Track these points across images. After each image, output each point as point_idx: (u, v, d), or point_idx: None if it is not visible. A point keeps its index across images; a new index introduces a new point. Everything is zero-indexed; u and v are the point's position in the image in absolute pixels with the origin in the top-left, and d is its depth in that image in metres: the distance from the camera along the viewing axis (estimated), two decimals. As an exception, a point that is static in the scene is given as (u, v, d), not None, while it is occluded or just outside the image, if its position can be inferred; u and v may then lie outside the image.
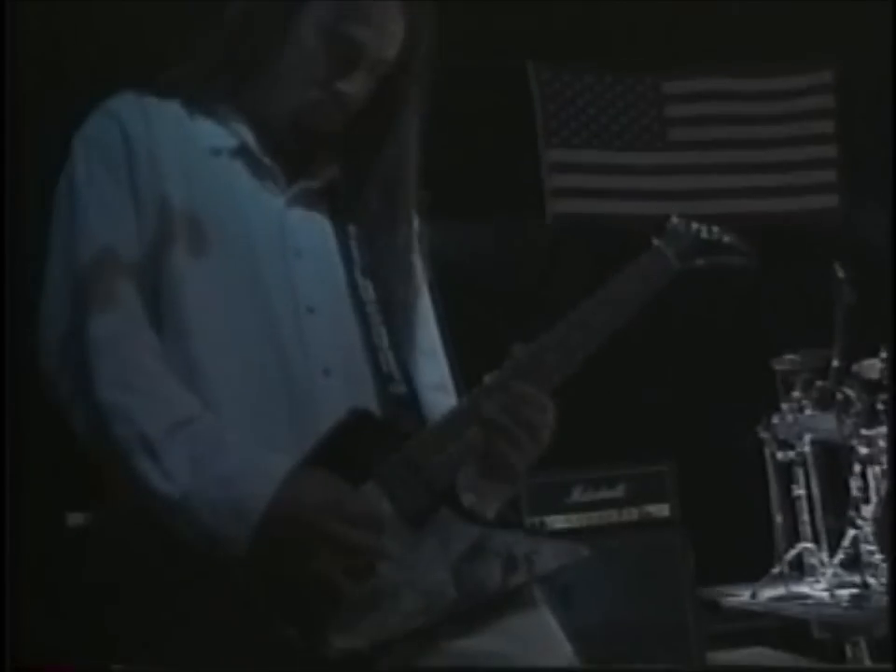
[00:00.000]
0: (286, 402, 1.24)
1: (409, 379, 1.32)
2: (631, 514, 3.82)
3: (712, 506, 4.43)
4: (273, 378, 1.24)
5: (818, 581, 4.50)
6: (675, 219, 1.43)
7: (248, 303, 1.27)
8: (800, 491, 4.81)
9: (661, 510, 3.83)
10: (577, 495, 3.77)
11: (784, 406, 4.79)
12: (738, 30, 5.59)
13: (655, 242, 1.40)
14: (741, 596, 4.61)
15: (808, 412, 4.68)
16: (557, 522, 3.68)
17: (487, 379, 1.26)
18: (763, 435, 4.88)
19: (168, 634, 1.15)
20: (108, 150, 1.27)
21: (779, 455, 4.85)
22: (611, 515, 3.79)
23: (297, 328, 1.27)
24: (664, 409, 4.93)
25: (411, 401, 1.30)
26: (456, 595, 1.18)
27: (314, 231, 1.36)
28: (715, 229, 1.44)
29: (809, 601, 4.38)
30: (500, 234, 5.32)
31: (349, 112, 1.36)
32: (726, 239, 1.43)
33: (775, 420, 4.80)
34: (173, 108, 1.34)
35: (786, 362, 4.88)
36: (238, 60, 1.34)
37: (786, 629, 4.32)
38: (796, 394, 4.76)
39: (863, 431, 4.50)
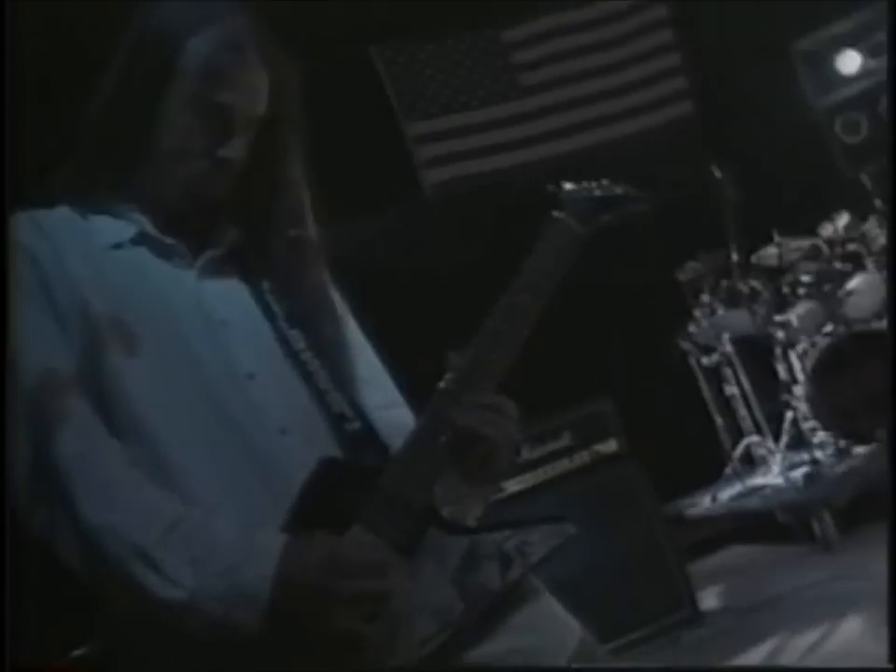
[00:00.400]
0: (253, 470, 1.27)
1: (361, 414, 1.36)
2: (582, 458, 3.90)
3: (654, 428, 4.55)
4: (235, 450, 1.27)
5: (770, 470, 4.67)
6: (567, 186, 1.47)
7: (190, 385, 1.29)
8: (732, 389, 4.97)
9: (608, 446, 3.92)
10: (526, 453, 3.83)
11: (697, 313, 4.93)
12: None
13: (555, 214, 1.44)
14: (702, 504, 4.76)
15: (720, 312, 4.83)
16: (514, 485, 3.74)
17: (438, 392, 1.30)
18: (684, 345, 5.02)
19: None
20: (22, 281, 1.28)
21: (704, 360, 5.01)
22: (564, 464, 3.87)
23: (243, 396, 1.30)
24: (585, 349, 5.03)
25: (368, 434, 1.34)
26: (464, 605, 1.23)
27: (232, 298, 1.38)
28: (605, 183, 1.49)
29: (767, 490, 4.54)
30: (390, 222, 5.33)
31: (235, 174, 1.38)
32: (618, 190, 1.48)
33: (691, 328, 4.94)
34: (64, 215, 1.36)
35: (688, 270, 5.01)
36: (114, 152, 1.35)
37: (752, 524, 4.49)
38: (705, 298, 4.90)
39: (776, 317, 4.68)
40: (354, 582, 1.18)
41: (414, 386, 1.51)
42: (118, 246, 1.34)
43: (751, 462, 4.89)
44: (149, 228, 1.36)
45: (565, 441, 3.88)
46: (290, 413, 1.32)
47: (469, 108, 5.90)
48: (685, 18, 6.00)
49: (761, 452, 4.84)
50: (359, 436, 1.33)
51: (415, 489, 1.26)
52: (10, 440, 1.23)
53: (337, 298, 1.50)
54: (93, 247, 1.33)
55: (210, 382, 1.29)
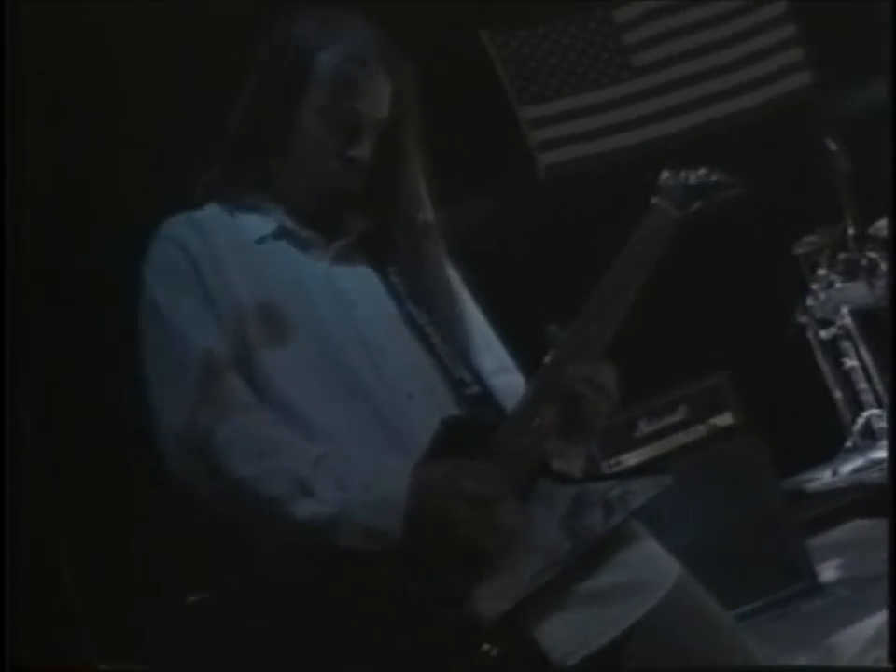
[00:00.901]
0: (385, 433, 1.46)
1: (479, 379, 1.53)
2: (698, 431, 3.97)
3: (772, 402, 4.60)
4: (368, 415, 1.46)
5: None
6: (665, 174, 1.63)
7: (326, 360, 1.48)
8: (852, 362, 4.97)
9: (725, 419, 3.98)
10: (643, 427, 3.94)
11: (814, 286, 4.94)
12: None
13: (653, 200, 1.60)
14: (823, 478, 4.78)
15: (838, 285, 4.84)
16: (631, 458, 3.86)
17: (546, 362, 1.47)
18: (802, 319, 5.04)
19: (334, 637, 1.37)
20: (180, 275, 1.50)
21: (822, 333, 5.01)
22: (680, 438, 3.95)
23: (375, 368, 1.49)
24: (701, 323, 5.09)
25: (485, 397, 1.51)
26: (572, 546, 1.39)
27: (360, 281, 1.58)
28: (702, 171, 1.64)
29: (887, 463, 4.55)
30: (503, 205, 5.48)
31: (363, 171, 1.57)
32: (714, 177, 1.63)
33: (809, 302, 4.95)
34: (214, 212, 1.57)
35: (805, 244, 5.03)
36: (256, 155, 1.56)
37: (872, 496, 4.50)
38: (822, 272, 4.92)
39: (897, 290, 4.66)
40: (480, 484, 1.36)
41: (524, 356, 1.68)
42: (261, 241, 1.56)
43: (872, 435, 4.89)
44: (288, 222, 1.57)
45: (680, 414, 3.96)
46: (416, 380, 1.50)
47: (581, 91, 5.99)
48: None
49: (881, 425, 4.84)
50: (478, 398, 1.51)
51: (527, 445, 1.43)
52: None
53: (454, 275, 1.68)
54: (240, 242, 1.54)
55: (344, 356, 1.49)
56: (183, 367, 1.44)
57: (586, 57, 6.03)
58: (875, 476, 4.55)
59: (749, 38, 6.09)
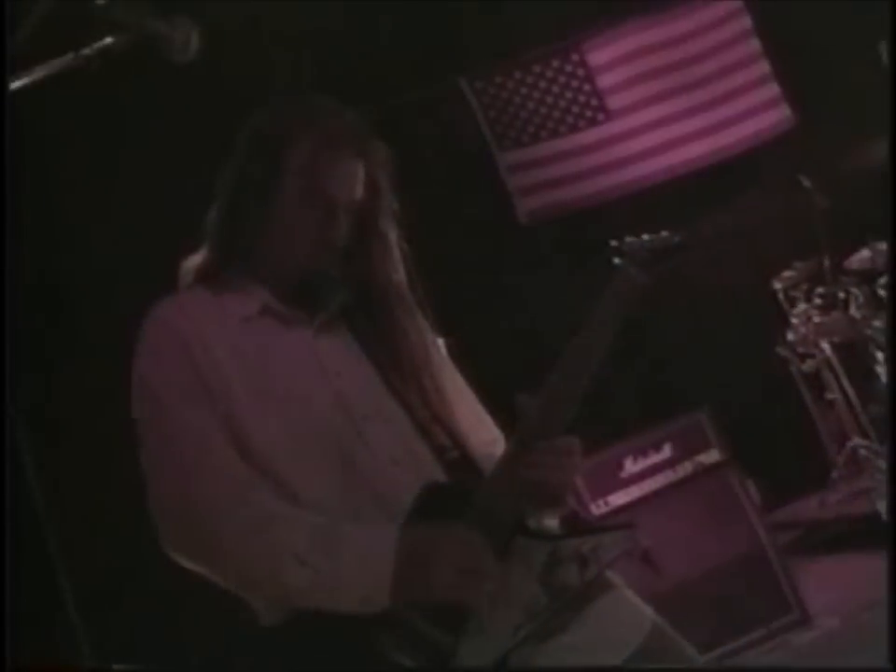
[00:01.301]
0: (371, 497, 1.54)
1: (459, 443, 1.61)
2: (685, 469, 4.01)
3: (757, 437, 4.67)
4: (352, 481, 1.54)
5: (878, 471, 4.73)
6: (629, 239, 1.71)
7: (313, 431, 1.57)
8: (834, 395, 5.05)
9: (710, 456, 4.03)
10: (629, 467, 3.99)
11: (794, 321, 5.03)
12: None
13: (617, 262, 1.68)
14: (810, 510, 4.84)
15: (817, 318, 4.92)
16: (618, 498, 3.91)
17: (513, 440, 1.56)
18: (784, 353, 5.12)
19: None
20: (171, 355, 1.58)
21: (804, 367, 5.09)
22: (667, 476, 4.00)
23: (358, 435, 1.57)
24: (683, 361, 5.18)
25: (465, 461, 1.60)
26: (548, 600, 1.47)
27: (343, 352, 1.66)
28: (664, 234, 1.72)
29: (874, 493, 4.60)
30: (480, 242, 5.57)
31: (339, 250, 1.66)
32: (676, 240, 1.71)
33: (790, 336, 5.04)
34: (201, 295, 1.66)
35: (783, 279, 5.12)
36: (237, 240, 1.65)
37: (859, 527, 4.56)
38: (802, 306, 5.00)
39: (875, 322, 4.76)
40: (469, 550, 1.45)
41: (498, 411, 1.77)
42: (247, 319, 1.64)
43: (857, 465, 4.96)
44: (271, 302, 1.66)
45: (666, 452, 4.02)
46: (400, 447, 1.59)
47: (558, 135, 6.08)
48: (770, 27, 6.11)
49: (866, 454, 4.91)
50: (458, 463, 1.59)
51: (507, 505, 1.51)
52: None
53: (435, 342, 1.76)
54: (226, 322, 1.63)
55: (330, 426, 1.57)
56: (177, 444, 1.53)
57: (563, 101, 6.14)
58: (861, 507, 4.62)
59: (723, 77, 6.23)
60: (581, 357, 1.59)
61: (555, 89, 6.16)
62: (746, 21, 6.30)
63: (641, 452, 4.01)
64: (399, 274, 1.72)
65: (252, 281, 1.67)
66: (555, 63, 6.18)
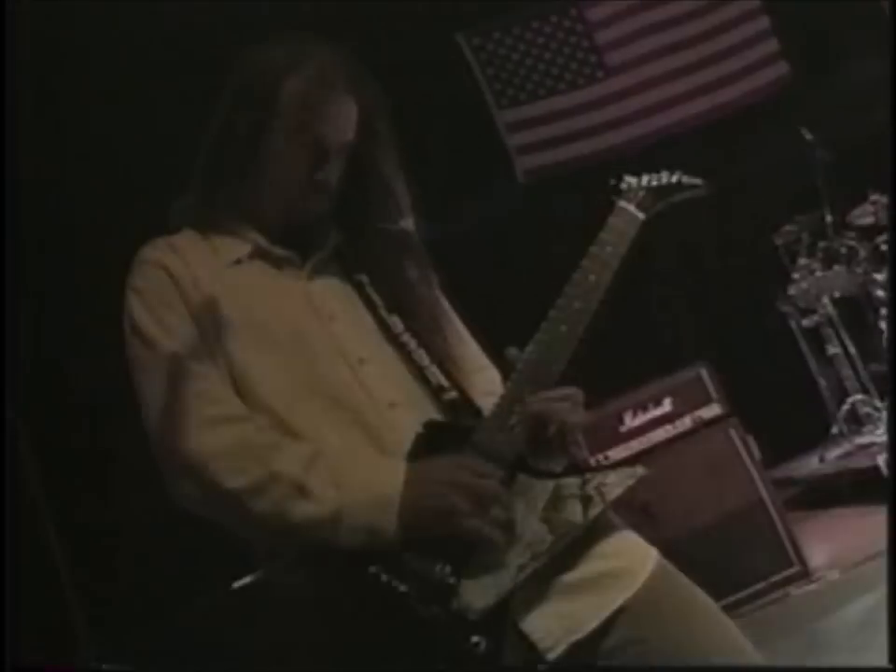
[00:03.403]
0: (369, 439, 1.50)
1: (457, 384, 1.58)
2: (684, 424, 3.99)
3: (757, 392, 4.64)
4: (352, 424, 1.51)
5: (877, 427, 4.71)
6: (627, 178, 1.68)
7: (308, 373, 1.53)
8: (835, 349, 5.00)
9: (710, 410, 4.01)
10: (629, 421, 3.96)
11: (795, 275, 4.96)
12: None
13: (618, 202, 1.65)
14: (811, 465, 4.83)
15: (819, 273, 4.86)
16: (618, 452, 3.89)
17: (520, 366, 1.52)
18: (785, 308, 5.07)
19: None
20: (163, 295, 1.54)
21: (805, 322, 5.03)
22: (667, 430, 3.97)
23: (356, 378, 1.54)
24: (684, 314, 5.14)
25: (463, 401, 1.56)
26: (553, 538, 1.44)
27: (337, 295, 1.63)
28: (664, 173, 1.69)
29: (874, 448, 4.57)
30: (479, 202, 5.52)
31: (331, 192, 1.62)
32: (676, 178, 1.69)
33: (791, 291, 4.97)
34: (190, 237, 1.62)
35: (784, 234, 5.06)
36: (227, 180, 1.61)
37: (859, 481, 4.55)
38: (803, 260, 4.93)
39: (875, 276, 4.71)
40: (477, 479, 1.42)
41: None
42: (238, 262, 1.60)
43: (857, 421, 4.93)
44: (263, 242, 1.62)
45: (666, 406, 3.99)
46: (397, 389, 1.55)
47: (557, 93, 6.02)
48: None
49: (866, 410, 4.88)
50: (456, 403, 1.56)
51: (507, 443, 1.48)
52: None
53: (431, 280, 1.72)
54: (217, 264, 1.59)
55: (326, 368, 1.53)
56: (172, 384, 1.49)
57: (561, 57, 6.07)
58: (861, 461, 4.60)
59: (723, 33, 6.14)
60: (578, 298, 1.55)
61: (553, 45, 6.09)
62: (728, 10, 6.20)
63: (641, 406, 3.99)
64: (407, 221, 1.69)
65: (243, 224, 1.63)
66: (553, 19, 6.11)
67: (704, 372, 4.06)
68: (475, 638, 1.38)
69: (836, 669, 3.06)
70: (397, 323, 1.60)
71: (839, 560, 3.98)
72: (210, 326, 1.53)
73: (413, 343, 1.59)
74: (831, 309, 4.96)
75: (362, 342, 1.58)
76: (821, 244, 4.91)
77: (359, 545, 1.41)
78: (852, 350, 5.04)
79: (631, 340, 4.91)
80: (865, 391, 4.96)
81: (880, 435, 4.63)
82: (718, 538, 3.80)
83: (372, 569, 1.41)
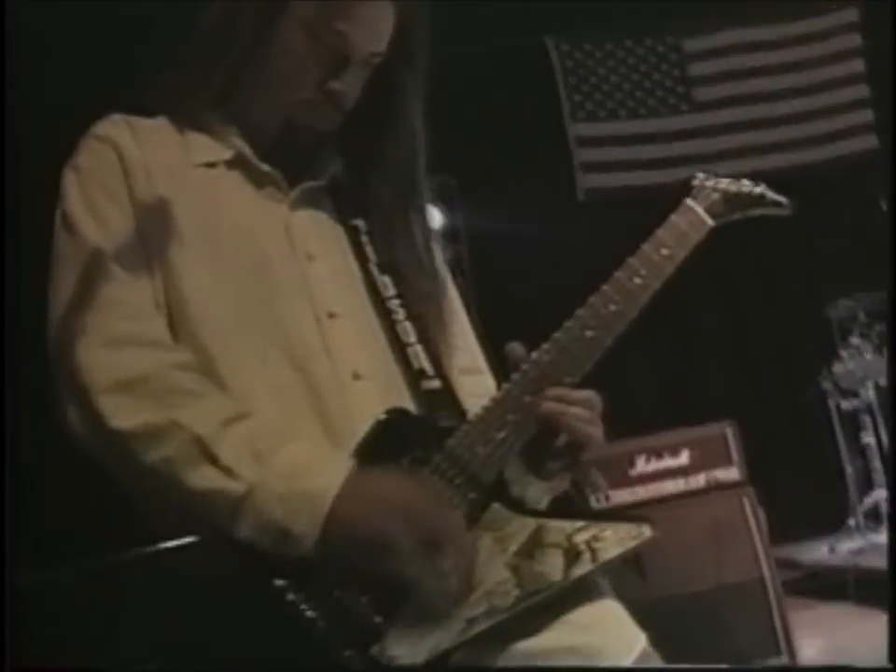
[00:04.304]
0: (315, 412, 1.16)
1: (443, 374, 1.23)
2: (698, 481, 3.69)
3: (780, 463, 4.31)
4: (299, 388, 1.17)
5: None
6: (701, 176, 1.35)
7: (265, 316, 1.19)
8: (869, 439, 4.66)
9: (729, 473, 3.70)
10: (640, 465, 3.65)
11: (843, 353, 4.64)
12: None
13: (685, 200, 1.31)
14: (819, 552, 4.47)
15: (868, 356, 4.54)
16: (622, 496, 3.57)
17: (526, 366, 1.18)
18: (826, 385, 4.73)
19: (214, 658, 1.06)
20: (106, 176, 1.20)
21: (844, 404, 4.71)
22: (678, 484, 3.67)
23: (319, 334, 1.20)
24: (720, 368, 4.80)
25: (446, 395, 1.22)
26: (519, 593, 1.09)
27: (323, 231, 1.28)
28: (745, 182, 1.36)
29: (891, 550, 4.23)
30: (532, 213, 5.21)
31: (344, 109, 1.28)
32: (757, 191, 1.35)
33: (836, 369, 4.65)
34: (161, 125, 1.28)
35: (841, 308, 4.73)
36: (223, 66, 1.27)
37: (867, 581, 4.19)
38: (855, 340, 4.62)
39: (928, 371, 4.36)
40: (438, 514, 1.07)
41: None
42: (211, 165, 1.26)
43: (877, 518, 4.56)
44: (247, 152, 1.27)
45: (683, 459, 3.68)
46: (367, 360, 1.21)
47: (636, 116, 5.71)
48: (877, 47, 5.65)
49: (889, 509, 4.51)
50: (437, 395, 1.21)
51: (486, 459, 1.13)
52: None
53: (440, 255, 1.38)
54: (185, 162, 1.24)
55: (286, 316, 1.19)
56: (86, 284, 1.15)
57: (649, 82, 5.74)
58: (873, 561, 4.23)
59: (821, 92, 5.78)
60: (615, 301, 1.21)
61: (643, 68, 5.76)
62: (855, 39, 5.85)
63: (656, 453, 3.67)
64: (417, 165, 1.33)
65: (228, 126, 1.28)
66: (648, 42, 5.78)
67: (729, 432, 3.75)
68: (388, 703, 1.04)
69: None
70: (387, 285, 1.26)
71: (830, 659, 3.65)
72: (155, 229, 1.19)
73: (401, 313, 1.25)
74: (873, 395, 4.60)
75: (339, 294, 1.24)
76: (878, 326, 4.56)
77: (265, 545, 1.07)
78: (886, 443, 4.67)
79: (656, 378, 4.55)
80: (892, 488, 4.58)
81: (899, 537, 4.25)
82: (709, 608, 3.52)
83: (278, 582, 1.06)
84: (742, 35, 5.78)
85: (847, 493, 4.71)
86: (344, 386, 1.18)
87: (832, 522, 4.60)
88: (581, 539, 1.13)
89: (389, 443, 1.12)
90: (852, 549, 4.39)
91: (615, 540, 1.13)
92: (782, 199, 1.38)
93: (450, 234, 5.19)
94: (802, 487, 4.60)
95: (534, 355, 1.19)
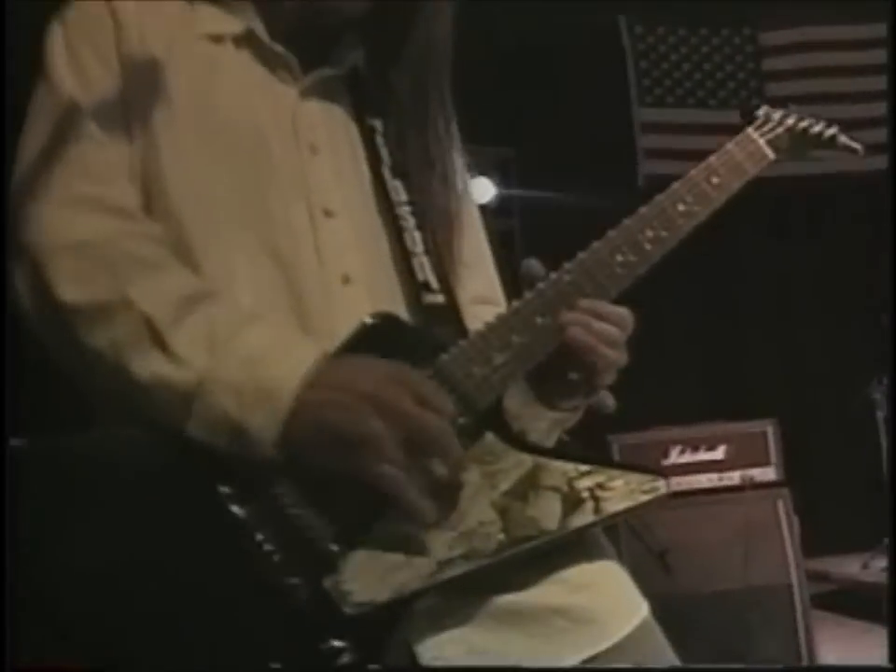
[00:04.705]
0: (296, 314, 1.01)
1: (449, 289, 1.07)
2: (732, 479, 3.51)
3: (820, 470, 4.09)
4: (280, 287, 1.01)
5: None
6: (766, 108, 1.21)
7: (253, 205, 1.04)
8: (916, 455, 4.41)
9: (766, 473, 3.51)
10: (674, 456, 3.48)
11: (897, 365, 4.40)
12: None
13: (748, 130, 1.17)
14: (851, 568, 4.26)
15: (923, 371, 4.29)
16: (652, 485, 3.39)
17: (542, 285, 1.02)
18: (875, 396, 4.49)
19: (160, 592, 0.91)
20: (94, 31, 1.06)
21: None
22: (711, 479, 3.49)
23: (312, 232, 1.04)
24: (769, 367, 4.59)
25: (450, 315, 1.05)
26: (505, 538, 0.93)
27: (333, 125, 1.12)
28: (820, 121, 1.23)
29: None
30: (589, 194, 5.03)
31: None
32: (829, 132, 1.22)
33: (887, 380, 4.41)
34: None
35: (897, 315, 4.48)
36: None
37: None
38: (910, 351, 4.37)
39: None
40: (420, 409, 0.90)
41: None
42: (218, 39, 1.10)
43: (917, 537, 4.32)
44: (259, 29, 1.11)
45: (719, 454, 3.49)
46: (362, 264, 1.05)
47: (705, 106, 5.50)
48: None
49: (890, 512, 4.27)
50: (439, 310, 1.05)
51: (483, 382, 0.97)
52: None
53: (461, 167, 1.22)
54: (188, 30, 1.09)
55: (278, 207, 1.04)
56: (55, 139, 1.00)
57: (721, 72, 5.52)
58: (909, 581, 4.00)
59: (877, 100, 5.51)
60: (652, 225, 1.06)
61: (717, 58, 5.54)
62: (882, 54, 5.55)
63: (692, 445, 3.50)
64: (443, 66, 1.17)
65: (244, 1, 1.12)
66: (725, 32, 5.56)
67: (770, 430, 3.56)
68: (338, 643, 0.88)
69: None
70: (399, 189, 1.10)
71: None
72: (142, 94, 1.03)
73: (410, 221, 1.09)
74: (923, 411, 4.36)
75: (340, 192, 1.08)
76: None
77: (216, 443, 0.91)
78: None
79: (701, 369, 4.36)
80: (892, 481, 4.34)
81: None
82: (733, 608, 3.34)
83: (223, 489, 0.91)
84: (820, 33, 5.53)
85: (887, 508, 4.47)
86: (331, 289, 1.02)
87: (868, 537, 4.36)
88: (584, 485, 0.96)
89: (373, 350, 0.96)
90: (885, 567, 4.17)
91: (625, 492, 0.97)
92: (856, 145, 1.24)
93: (504, 207, 5.05)
94: (840, 498, 4.37)
95: (553, 275, 1.03)
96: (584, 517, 0.95)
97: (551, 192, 4.91)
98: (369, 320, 0.97)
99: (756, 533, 3.43)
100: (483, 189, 4.87)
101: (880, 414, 4.53)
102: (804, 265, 4.86)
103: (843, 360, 4.60)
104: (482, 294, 1.18)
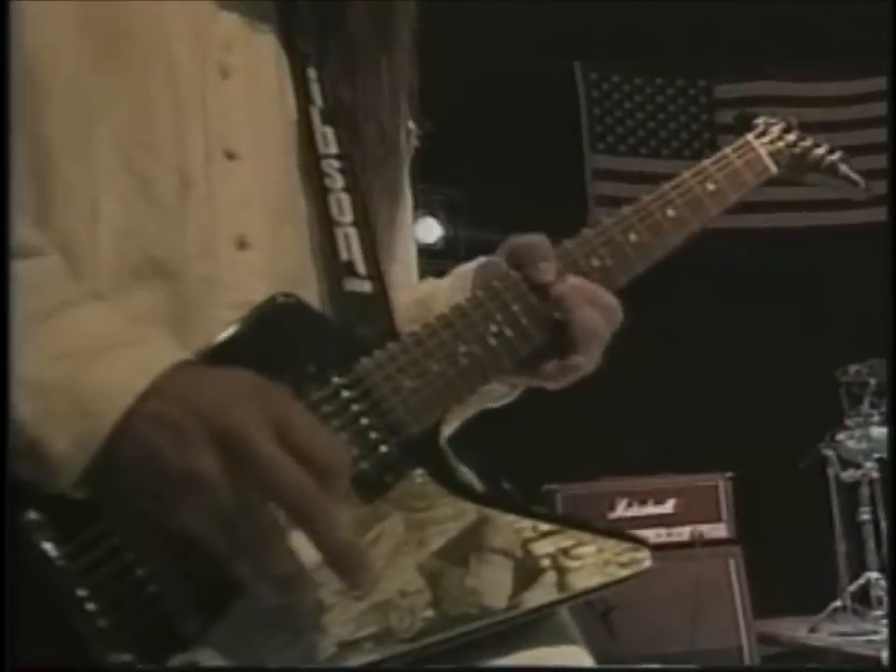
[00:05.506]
0: (166, 294, 0.73)
1: (379, 276, 0.80)
2: (681, 534, 3.28)
3: (770, 528, 3.88)
4: (152, 248, 0.74)
5: (885, 616, 3.89)
6: (765, 118, 1.06)
7: (137, 129, 0.76)
8: (866, 515, 4.21)
9: (716, 530, 3.29)
10: (621, 509, 3.24)
11: (850, 422, 4.22)
12: (793, 32, 5.11)
13: (747, 137, 1.02)
14: (798, 631, 4.02)
15: (875, 429, 4.11)
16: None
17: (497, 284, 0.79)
18: (827, 452, 4.29)
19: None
20: None
21: (844, 474, 4.27)
22: (659, 535, 3.26)
23: (204, 177, 0.77)
24: (721, 421, 4.39)
25: (378, 308, 0.78)
26: (434, 615, 0.66)
27: (253, 50, 0.85)
28: (822, 145, 1.09)
29: (876, 637, 3.77)
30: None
31: None
32: (830, 158, 1.09)
33: (840, 437, 4.22)
34: None
35: (852, 374, 4.29)
36: None
37: (856, 669, 3.74)
38: (865, 409, 4.19)
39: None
40: (311, 434, 0.62)
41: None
42: None
43: (866, 601, 4.10)
44: None
45: (668, 508, 3.26)
46: (265, 226, 0.78)
47: (657, 156, 5.35)
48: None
49: (879, 593, 4.05)
50: (364, 301, 0.78)
51: (413, 399, 0.70)
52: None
53: (409, 143, 0.97)
54: None
55: (166, 136, 0.77)
56: None
57: (675, 123, 5.38)
58: (857, 647, 3.77)
59: (851, 156, 5.41)
60: (639, 225, 0.90)
61: (671, 108, 5.41)
62: (881, 108, 5.48)
63: (640, 497, 3.26)
64: (401, 33, 0.92)
65: None
66: (680, 83, 5.42)
67: (721, 485, 3.35)
68: None
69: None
70: (329, 138, 0.83)
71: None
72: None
73: (338, 180, 0.82)
74: (875, 471, 4.16)
75: (250, 130, 0.81)
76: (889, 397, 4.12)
77: (22, 472, 0.62)
78: (882, 522, 4.22)
79: (653, 421, 4.14)
80: (883, 571, 4.13)
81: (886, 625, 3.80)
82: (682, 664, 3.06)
83: (31, 515, 0.62)
84: (774, 88, 5.42)
85: (836, 570, 4.25)
86: (218, 255, 0.75)
87: (817, 599, 4.14)
88: (544, 550, 0.69)
89: (264, 347, 0.69)
90: (836, 631, 3.94)
91: (597, 562, 0.71)
92: (858, 178, 1.12)
93: (450, 249, 4.83)
94: (789, 557, 4.15)
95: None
96: (544, 594, 0.69)
97: (498, 236, 4.71)
98: (262, 304, 0.70)
99: (706, 593, 3.21)
100: (430, 230, 4.67)
101: (831, 472, 4.33)
102: (756, 317, 4.69)
103: (795, 416, 4.40)
104: (402, 281, 0.92)
